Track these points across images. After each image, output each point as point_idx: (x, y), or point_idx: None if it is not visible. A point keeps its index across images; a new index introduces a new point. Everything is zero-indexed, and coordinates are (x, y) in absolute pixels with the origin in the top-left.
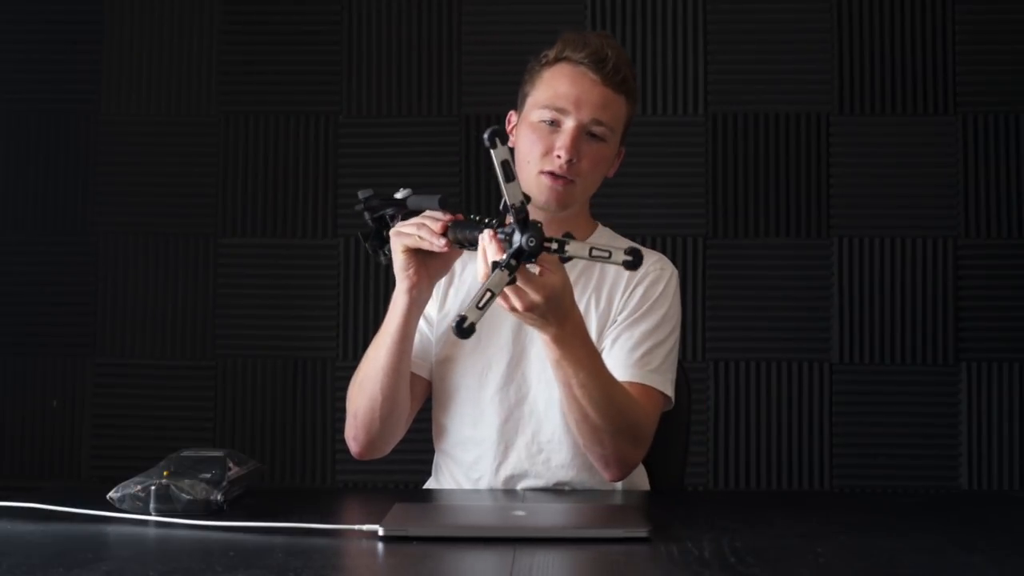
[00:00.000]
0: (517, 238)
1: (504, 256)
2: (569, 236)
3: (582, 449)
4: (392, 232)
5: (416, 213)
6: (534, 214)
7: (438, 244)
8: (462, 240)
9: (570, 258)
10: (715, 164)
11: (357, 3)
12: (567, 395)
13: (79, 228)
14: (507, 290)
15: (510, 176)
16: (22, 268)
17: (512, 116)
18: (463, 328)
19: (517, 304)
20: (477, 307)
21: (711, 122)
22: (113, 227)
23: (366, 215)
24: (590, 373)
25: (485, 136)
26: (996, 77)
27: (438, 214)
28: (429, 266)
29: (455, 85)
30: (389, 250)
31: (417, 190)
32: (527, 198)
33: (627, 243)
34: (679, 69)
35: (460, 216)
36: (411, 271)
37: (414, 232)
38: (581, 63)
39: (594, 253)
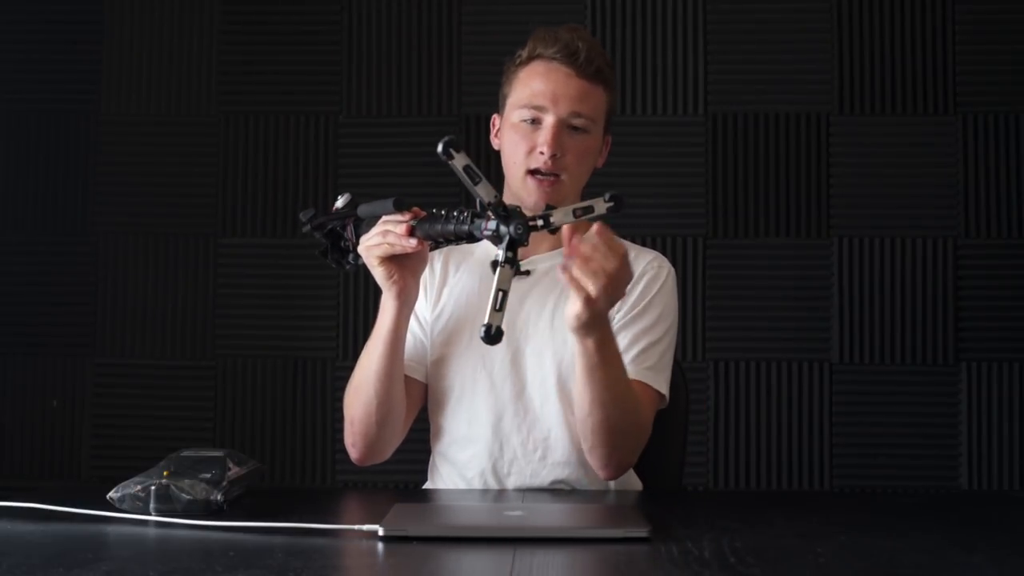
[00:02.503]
0: (504, 230)
1: (502, 253)
2: (549, 207)
3: (578, 446)
4: (361, 249)
5: (370, 221)
6: None
7: (410, 245)
8: (433, 235)
9: (558, 227)
10: (715, 164)
11: (357, 3)
12: (593, 399)
13: (79, 228)
14: (579, 275)
15: (476, 179)
16: (22, 268)
17: (495, 120)
18: (491, 335)
19: (591, 288)
20: (496, 310)
21: (711, 122)
22: (113, 227)
23: (316, 234)
24: (619, 376)
25: (439, 150)
26: (996, 77)
27: (396, 216)
28: (407, 266)
29: (455, 85)
30: (352, 259)
31: (363, 195)
32: (498, 191)
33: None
34: (679, 69)
35: (417, 210)
36: (395, 277)
37: (382, 241)
38: (554, 58)
39: (578, 213)
